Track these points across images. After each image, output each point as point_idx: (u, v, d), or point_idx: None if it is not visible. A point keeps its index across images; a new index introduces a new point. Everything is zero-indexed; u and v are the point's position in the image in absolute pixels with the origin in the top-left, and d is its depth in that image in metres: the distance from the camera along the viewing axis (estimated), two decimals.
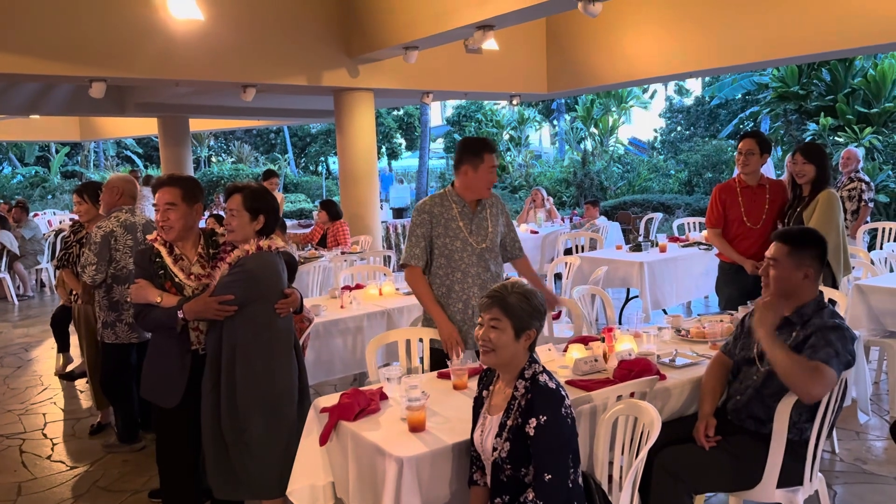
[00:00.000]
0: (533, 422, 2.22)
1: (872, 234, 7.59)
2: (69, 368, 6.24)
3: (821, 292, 2.85)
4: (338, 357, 4.60)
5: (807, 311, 2.78)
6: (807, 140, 12.54)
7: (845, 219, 7.02)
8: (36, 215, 14.15)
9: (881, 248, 6.63)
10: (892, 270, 5.68)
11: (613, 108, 21.20)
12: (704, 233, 7.63)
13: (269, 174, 9.54)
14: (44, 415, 5.31)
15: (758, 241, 4.58)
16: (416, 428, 2.53)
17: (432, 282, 3.59)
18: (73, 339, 5.95)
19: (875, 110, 12.47)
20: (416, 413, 2.54)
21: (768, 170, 10.11)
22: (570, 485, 2.22)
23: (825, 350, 2.60)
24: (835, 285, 4.51)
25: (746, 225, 4.63)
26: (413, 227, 3.58)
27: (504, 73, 9.74)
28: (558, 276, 7.62)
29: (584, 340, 3.48)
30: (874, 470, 3.86)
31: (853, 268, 5.55)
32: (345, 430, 2.66)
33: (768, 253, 2.87)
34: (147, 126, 14.40)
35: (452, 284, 3.56)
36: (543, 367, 2.36)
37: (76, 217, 4.95)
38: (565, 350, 3.40)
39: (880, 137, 12.00)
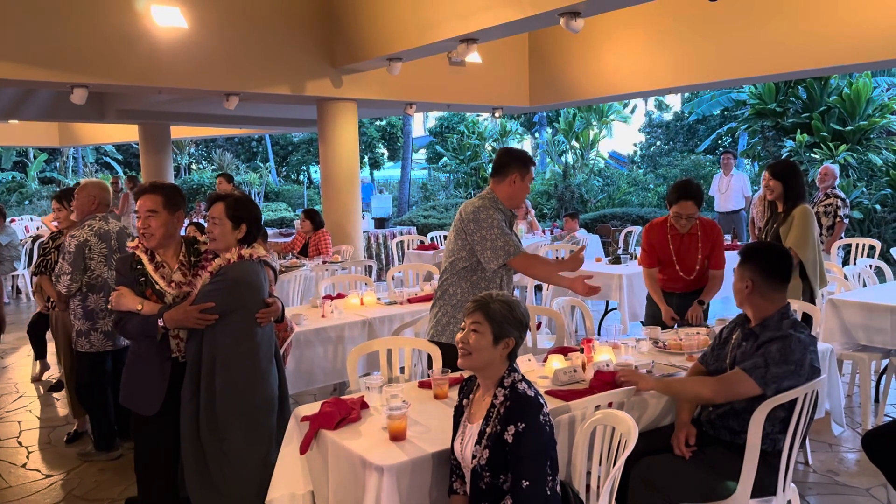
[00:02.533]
0: (511, 429, 2.25)
1: (846, 249, 7.72)
2: (45, 377, 6.18)
3: (787, 304, 2.91)
4: (318, 367, 4.59)
5: (769, 323, 2.86)
6: (782, 157, 12.77)
7: (821, 234, 7.16)
8: (13, 221, 13.97)
9: (854, 264, 6.75)
10: (864, 285, 5.79)
11: (594, 122, 21.38)
12: None
13: (223, 176, 9.34)
14: (19, 422, 5.25)
15: (689, 283, 4.52)
16: (397, 437, 2.55)
17: (478, 285, 3.55)
18: (51, 347, 5.89)
19: (850, 128, 12.71)
20: (396, 422, 2.55)
21: (744, 186, 10.32)
22: (548, 492, 2.25)
23: (753, 360, 2.73)
24: (812, 298, 4.60)
25: (679, 274, 4.54)
26: (497, 222, 3.50)
27: (487, 86, 9.82)
28: (538, 288, 7.68)
29: (564, 351, 3.53)
30: (846, 481, 3.93)
31: (828, 282, 5.67)
32: (325, 438, 2.67)
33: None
34: (127, 133, 14.30)
35: (502, 287, 3.62)
36: (523, 375, 2.39)
37: (55, 223, 4.92)
38: (545, 360, 3.43)
39: (854, 155, 12.23)
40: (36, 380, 6.16)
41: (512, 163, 3.60)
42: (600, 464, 2.60)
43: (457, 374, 3.17)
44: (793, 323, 2.84)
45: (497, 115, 10.97)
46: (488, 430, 2.31)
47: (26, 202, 22.77)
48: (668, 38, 8.42)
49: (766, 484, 2.77)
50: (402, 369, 3.80)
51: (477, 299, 2.43)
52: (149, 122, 12.10)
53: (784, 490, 2.82)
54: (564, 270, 3.64)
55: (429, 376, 3.25)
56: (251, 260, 3.09)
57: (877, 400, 5.03)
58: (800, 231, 4.53)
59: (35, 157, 26.42)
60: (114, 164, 28.21)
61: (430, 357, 3.60)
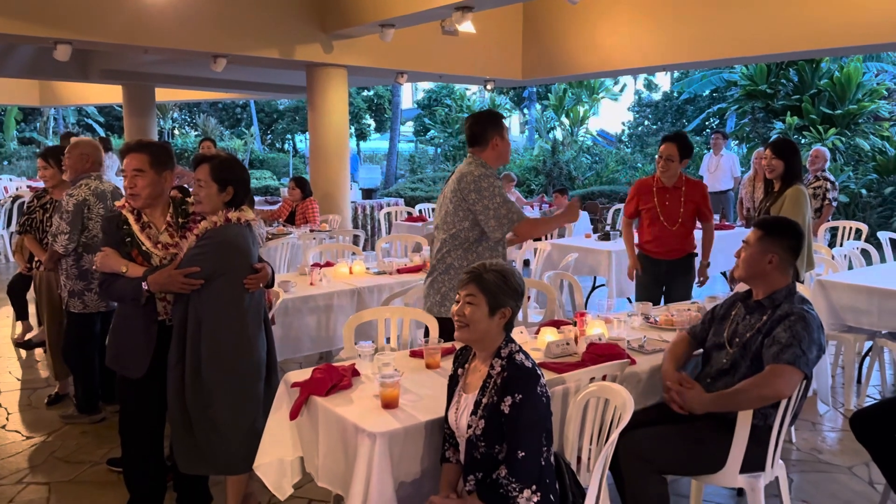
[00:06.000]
0: (508, 400, 2.23)
1: (833, 232, 7.76)
2: (28, 336, 6.09)
3: (794, 281, 2.91)
4: (306, 334, 4.55)
5: (778, 297, 2.86)
6: (771, 138, 12.78)
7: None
8: None
9: (841, 246, 6.78)
10: (851, 267, 5.82)
11: (585, 99, 21.30)
12: None
13: (208, 141, 9.23)
14: None
15: (674, 242, 4.71)
16: (390, 405, 2.52)
17: (483, 256, 3.48)
18: (32, 308, 5.80)
19: (839, 112, 12.76)
20: (389, 389, 2.52)
21: (733, 166, 10.33)
22: (543, 462, 2.24)
23: (791, 350, 2.66)
24: (797, 280, 4.61)
25: (664, 225, 4.73)
26: (496, 189, 3.45)
27: (480, 58, 9.71)
28: (527, 263, 7.66)
29: (557, 324, 3.51)
30: (829, 459, 3.96)
31: (815, 265, 5.69)
32: (316, 405, 2.64)
33: (746, 237, 2.98)
34: (111, 94, 13.98)
35: (504, 257, 3.62)
36: (520, 346, 2.36)
37: (33, 184, 4.81)
38: (537, 333, 3.41)
39: (843, 139, 12.28)
40: (18, 341, 6.07)
41: (488, 128, 3.55)
42: (591, 437, 2.58)
43: (448, 345, 3.14)
44: (802, 299, 2.84)
45: (489, 87, 10.86)
46: (484, 400, 2.29)
47: (5, 162, 22.38)
48: (664, 16, 8.35)
49: (754, 459, 2.78)
50: (387, 339, 3.76)
51: (470, 270, 2.39)
52: (133, 82, 11.85)
53: (772, 466, 2.83)
54: (564, 223, 3.70)
55: (421, 345, 3.21)
56: (239, 223, 3.00)
57: (859, 381, 5.08)
58: (788, 211, 4.52)
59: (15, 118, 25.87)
60: (95, 125, 27.72)
61: (427, 328, 3.56)
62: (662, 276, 4.72)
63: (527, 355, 2.34)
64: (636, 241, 5.02)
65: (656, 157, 4.74)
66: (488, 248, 3.53)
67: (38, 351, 5.80)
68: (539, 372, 2.30)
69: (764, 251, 2.87)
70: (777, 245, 2.87)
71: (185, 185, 7.94)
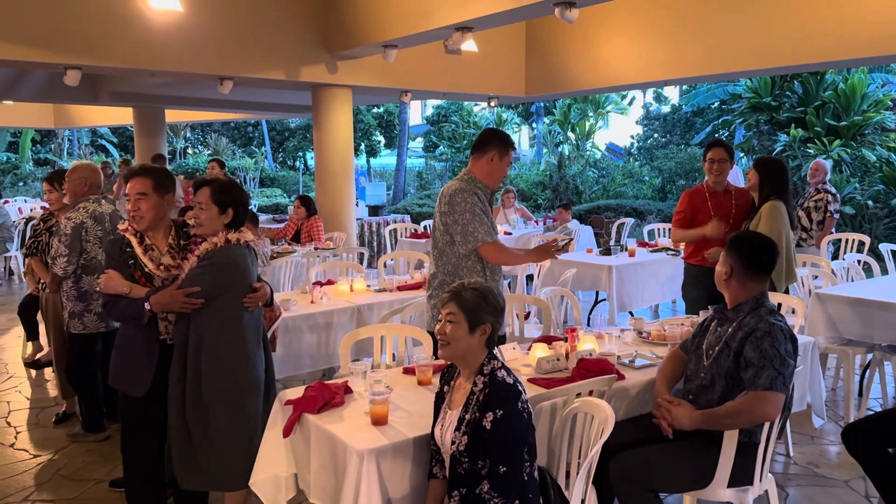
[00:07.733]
0: (489, 416, 2.28)
1: (836, 244, 7.77)
2: (38, 356, 6.19)
3: (763, 294, 2.94)
4: (306, 352, 4.62)
5: (743, 308, 2.91)
6: (775, 151, 12.80)
7: (811, 228, 7.20)
8: (6, 202, 13.94)
9: (843, 259, 6.79)
10: (851, 280, 5.83)
11: (591, 114, 21.37)
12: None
13: (215, 161, 9.40)
14: (8, 403, 5.27)
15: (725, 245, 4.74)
16: (379, 421, 2.58)
17: (474, 269, 3.53)
18: (43, 328, 5.91)
19: (844, 123, 12.73)
20: (378, 407, 2.58)
21: (737, 179, 10.35)
22: (525, 477, 2.29)
23: (766, 374, 2.69)
24: (775, 290, 4.62)
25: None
26: (471, 206, 3.49)
27: (483, 75, 9.82)
28: (530, 278, 7.71)
29: (548, 340, 3.55)
30: (826, 473, 3.97)
31: (815, 276, 5.70)
32: (308, 422, 2.70)
33: None
34: (122, 115, 14.24)
35: (495, 272, 3.63)
36: (503, 363, 2.42)
37: (47, 206, 4.93)
38: (529, 349, 3.46)
39: (848, 150, 12.26)
40: (28, 361, 6.18)
41: (492, 141, 3.61)
42: (580, 451, 2.63)
43: (440, 362, 3.19)
44: (770, 311, 2.87)
45: (492, 104, 10.96)
46: (467, 416, 2.34)
47: (21, 183, 22.71)
48: (665, 30, 8.42)
49: (743, 474, 2.81)
50: (394, 356, 3.83)
51: (450, 290, 2.47)
52: (143, 105, 12.06)
53: (761, 480, 2.86)
54: (532, 261, 3.70)
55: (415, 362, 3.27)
56: (238, 244, 3.09)
57: (861, 394, 5.08)
58: (763, 227, 4.54)
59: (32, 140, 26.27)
60: (109, 146, 28.09)
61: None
62: (715, 287, 4.73)
63: (508, 371, 2.40)
64: (686, 254, 5.01)
65: (705, 164, 4.85)
66: (477, 261, 3.55)
67: (48, 370, 5.91)
68: (520, 388, 2.36)
69: (722, 262, 2.99)
70: (731, 257, 2.95)
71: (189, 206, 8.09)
